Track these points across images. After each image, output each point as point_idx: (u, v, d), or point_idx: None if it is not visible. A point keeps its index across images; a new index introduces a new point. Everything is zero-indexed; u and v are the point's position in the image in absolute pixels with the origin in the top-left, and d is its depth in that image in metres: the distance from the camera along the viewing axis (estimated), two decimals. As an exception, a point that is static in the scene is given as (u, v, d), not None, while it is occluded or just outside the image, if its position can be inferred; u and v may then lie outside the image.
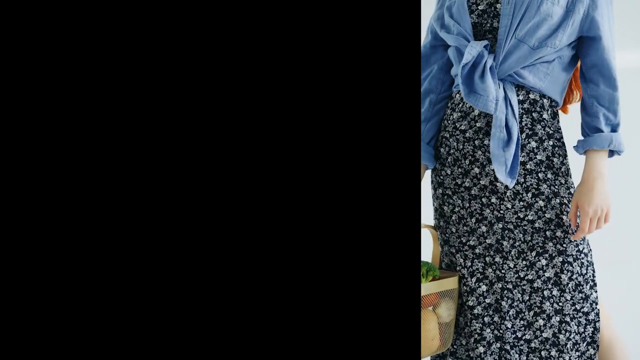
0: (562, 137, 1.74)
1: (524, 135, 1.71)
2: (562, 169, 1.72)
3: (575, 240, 1.70)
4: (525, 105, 1.70)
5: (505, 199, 1.72)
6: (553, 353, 1.72)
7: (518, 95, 1.70)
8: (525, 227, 1.72)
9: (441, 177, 1.84)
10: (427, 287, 1.73)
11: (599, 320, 1.72)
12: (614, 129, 1.70)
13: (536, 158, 1.70)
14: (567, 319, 1.71)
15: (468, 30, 1.71)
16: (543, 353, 1.73)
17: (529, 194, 1.71)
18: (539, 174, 1.70)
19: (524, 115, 1.71)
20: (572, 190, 1.72)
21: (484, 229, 1.76)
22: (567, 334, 1.71)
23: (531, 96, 1.71)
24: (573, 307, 1.71)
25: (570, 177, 1.74)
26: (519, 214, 1.72)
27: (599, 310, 1.73)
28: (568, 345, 1.71)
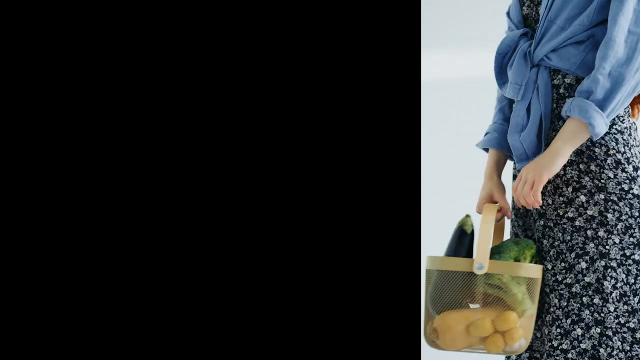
0: (614, 125, 1.56)
1: (561, 123, 1.58)
2: (609, 161, 1.54)
3: (621, 243, 1.53)
4: (561, 90, 1.58)
5: (546, 193, 1.59)
6: None
7: (553, 80, 1.59)
8: (565, 226, 1.57)
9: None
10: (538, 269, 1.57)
11: None
12: (588, 96, 1.49)
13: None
14: (609, 332, 1.53)
15: (516, 23, 1.68)
16: None
17: (570, 188, 1.56)
18: (580, 165, 1.55)
19: (560, 101, 1.59)
20: (624, 186, 1.53)
21: (532, 224, 1.66)
22: (609, 349, 1.53)
23: (567, 80, 1.58)
24: (617, 321, 1.53)
25: (626, 171, 1.55)
26: (558, 211, 1.57)
27: None
28: None
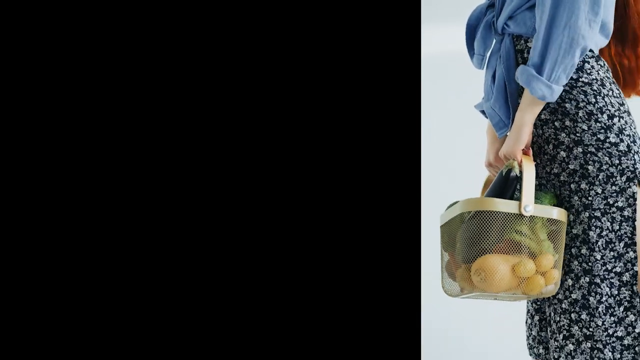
0: (579, 78, 1.58)
1: None
2: (580, 114, 1.57)
3: (603, 193, 1.56)
4: (525, 55, 1.62)
5: (534, 154, 1.65)
6: (583, 316, 1.60)
7: (516, 46, 1.64)
8: (554, 182, 1.62)
9: None
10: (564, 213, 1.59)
11: (636, 284, 1.57)
12: (528, 60, 1.54)
13: (549, 106, 1.60)
14: (597, 280, 1.57)
15: None
16: (573, 315, 1.62)
17: (550, 146, 1.61)
18: (556, 123, 1.59)
19: None
20: (600, 136, 1.56)
21: None
22: (597, 296, 1.57)
23: (529, 44, 1.62)
24: (604, 268, 1.57)
25: (600, 121, 1.57)
26: (546, 169, 1.63)
27: (636, 272, 1.57)
28: (600, 309, 1.57)
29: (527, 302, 1.76)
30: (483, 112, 1.84)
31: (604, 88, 1.58)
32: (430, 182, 2.62)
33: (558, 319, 1.65)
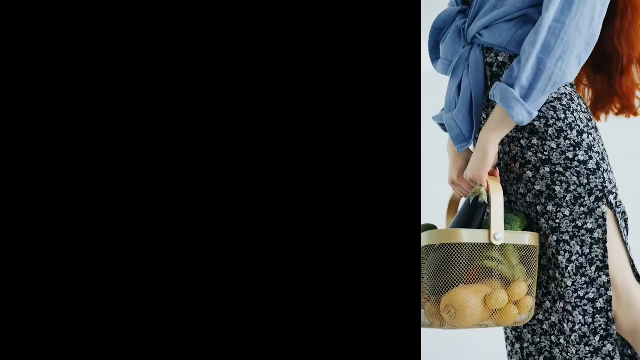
0: (552, 100, 1.53)
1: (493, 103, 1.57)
2: (550, 132, 1.50)
3: (571, 215, 1.49)
4: (494, 69, 1.55)
5: (501, 171, 1.58)
6: (562, 340, 1.55)
7: (486, 58, 1.56)
8: (521, 201, 1.56)
9: None
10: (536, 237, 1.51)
11: (611, 310, 1.50)
12: (513, 81, 1.45)
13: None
14: (569, 307, 1.50)
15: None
16: (553, 338, 1.57)
17: (517, 164, 1.54)
18: (522, 141, 1.52)
19: (493, 79, 1.56)
20: (569, 154, 1.49)
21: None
22: (571, 324, 1.50)
23: (500, 58, 1.54)
24: (575, 295, 1.50)
25: (569, 138, 1.50)
26: (513, 187, 1.56)
27: (610, 297, 1.49)
28: (573, 338, 1.50)
29: (506, 329, 1.70)
30: (442, 125, 1.76)
31: (573, 103, 1.53)
32: (430, 182, 2.62)
33: (538, 340, 1.60)
